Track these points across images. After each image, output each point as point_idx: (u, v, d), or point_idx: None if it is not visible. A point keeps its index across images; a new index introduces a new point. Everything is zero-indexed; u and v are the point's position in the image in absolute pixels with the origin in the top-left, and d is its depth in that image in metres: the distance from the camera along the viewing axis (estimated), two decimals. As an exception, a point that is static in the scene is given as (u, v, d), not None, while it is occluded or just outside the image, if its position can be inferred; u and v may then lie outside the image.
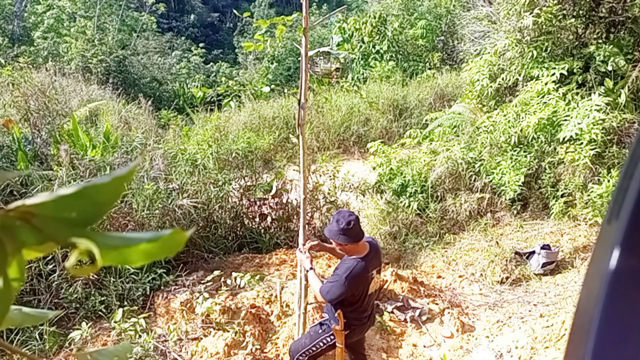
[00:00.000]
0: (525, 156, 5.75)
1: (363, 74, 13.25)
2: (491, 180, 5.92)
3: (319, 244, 3.14)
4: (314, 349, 3.00)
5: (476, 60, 7.14)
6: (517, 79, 6.34)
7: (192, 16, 30.79)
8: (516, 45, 6.33)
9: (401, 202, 6.05)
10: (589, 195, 5.16)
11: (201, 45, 24.53)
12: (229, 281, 4.21)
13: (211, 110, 11.24)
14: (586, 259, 4.89)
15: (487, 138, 6.03)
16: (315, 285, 2.84)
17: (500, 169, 5.81)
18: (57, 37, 16.74)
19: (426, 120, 7.97)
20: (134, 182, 4.70)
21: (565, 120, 5.50)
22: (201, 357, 3.58)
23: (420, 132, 7.49)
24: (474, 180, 6.04)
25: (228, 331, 3.70)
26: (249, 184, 5.57)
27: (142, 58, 17.23)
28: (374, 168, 6.44)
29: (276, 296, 4.20)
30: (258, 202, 5.54)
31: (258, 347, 3.68)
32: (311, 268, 2.94)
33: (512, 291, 4.69)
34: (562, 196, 5.54)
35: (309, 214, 5.40)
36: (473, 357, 3.78)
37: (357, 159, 8.82)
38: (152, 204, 4.59)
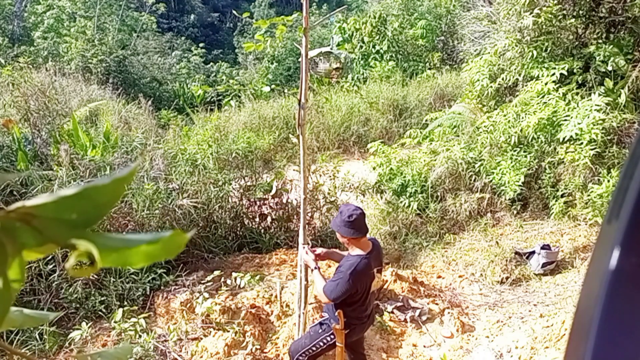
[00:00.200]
0: (525, 156, 5.75)
1: (363, 74, 13.25)
2: (491, 180, 5.92)
3: (323, 252, 3.12)
4: (314, 348, 3.00)
5: (476, 60, 7.14)
6: (517, 79, 6.34)
7: (192, 16, 30.79)
8: (516, 45, 6.33)
9: (401, 202, 6.05)
10: (589, 195, 5.16)
11: (201, 45, 24.53)
12: (229, 281, 4.21)
13: (211, 110, 11.25)
14: (586, 259, 4.89)
15: (487, 138, 6.03)
16: (319, 285, 2.84)
17: (500, 169, 5.81)
18: (57, 37, 16.74)
19: (426, 120, 7.97)
20: (134, 182, 4.70)
21: (565, 120, 5.50)
22: (201, 357, 3.58)
23: (420, 132, 7.49)
24: (474, 180, 6.04)
25: (228, 331, 3.70)
26: (249, 184, 5.57)
27: (142, 58, 17.23)
28: (374, 168, 6.44)
29: (276, 296, 4.20)
30: (258, 202, 5.54)
31: (258, 347, 3.68)
32: (316, 267, 2.95)
33: (512, 291, 4.69)
34: (562, 196, 5.54)
35: (309, 214, 5.40)
36: (473, 357, 3.78)
37: (357, 159, 8.82)
38: (152, 204, 4.59)
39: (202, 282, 4.20)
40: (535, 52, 6.08)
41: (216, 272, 4.27)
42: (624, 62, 5.70)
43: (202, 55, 23.11)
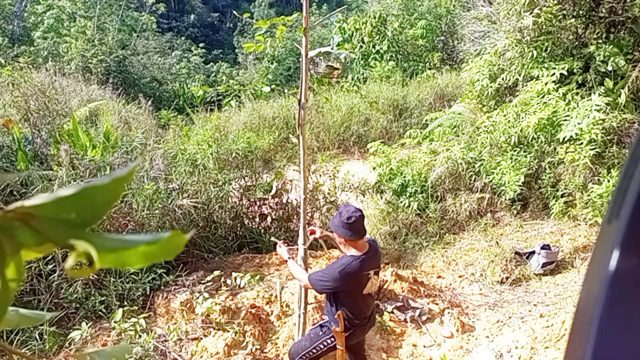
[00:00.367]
0: (525, 156, 5.75)
1: (363, 74, 13.25)
2: (491, 180, 5.92)
3: (320, 232, 3.19)
4: (314, 351, 3.00)
5: (476, 60, 7.14)
6: (517, 79, 6.34)
7: (192, 16, 30.80)
8: (516, 45, 6.33)
9: (401, 202, 6.05)
10: (589, 195, 5.16)
11: (201, 45, 24.55)
12: (229, 281, 4.21)
13: (211, 110, 11.25)
14: (586, 259, 4.89)
15: (487, 138, 6.03)
16: (298, 273, 2.90)
17: (500, 169, 5.81)
18: (57, 37, 16.74)
19: (426, 120, 7.97)
20: (134, 182, 4.70)
21: (565, 120, 5.50)
22: (201, 357, 3.58)
23: (420, 132, 7.49)
24: (474, 180, 6.04)
25: (228, 331, 3.70)
26: (249, 184, 5.57)
27: (142, 58, 17.23)
28: (374, 168, 6.44)
29: (276, 296, 4.20)
30: (258, 202, 5.54)
31: (258, 347, 3.68)
32: (290, 257, 2.98)
33: (512, 291, 4.69)
34: (562, 196, 5.54)
35: (309, 214, 5.40)
36: (473, 357, 3.78)
37: (357, 159, 8.82)
38: (152, 204, 4.59)
39: (202, 282, 4.20)
40: (535, 52, 6.08)
41: (216, 272, 4.27)
42: (624, 62, 5.70)
43: (202, 55, 23.12)
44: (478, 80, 6.82)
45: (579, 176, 5.38)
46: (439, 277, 5.06)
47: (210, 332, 3.79)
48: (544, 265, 4.83)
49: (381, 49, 13.37)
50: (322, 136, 9.26)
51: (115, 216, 4.49)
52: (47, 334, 3.71)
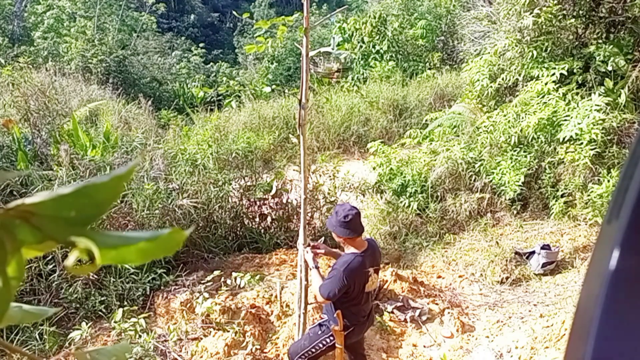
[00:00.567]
0: (525, 156, 5.75)
1: (363, 74, 13.24)
2: (491, 180, 5.92)
3: (324, 249, 3.13)
4: (313, 350, 3.00)
5: (476, 60, 7.14)
6: (517, 79, 6.34)
7: (192, 16, 30.80)
8: (516, 45, 6.33)
9: (401, 202, 6.05)
10: (589, 195, 5.16)
11: (201, 45, 24.54)
12: (229, 281, 4.21)
13: (211, 110, 11.25)
14: (586, 259, 4.89)
15: (487, 138, 6.03)
16: (316, 284, 2.85)
17: (500, 169, 5.81)
18: (57, 37, 16.74)
19: (426, 120, 7.97)
20: (134, 182, 4.70)
21: (565, 120, 5.50)
22: (201, 357, 3.58)
23: (420, 132, 7.49)
24: (474, 180, 6.04)
25: (228, 331, 3.70)
26: (249, 184, 5.57)
27: (142, 58, 17.23)
28: (374, 168, 6.44)
29: (276, 296, 4.20)
30: (258, 202, 5.54)
31: (258, 347, 3.68)
32: (315, 266, 2.95)
33: (512, 291, 4.69)
34: (562, 196, 5.54)
35: (309, 214, 5.40)
36: (473, 357, 3.78)
37: (357, 159, 8.82)
38: (152, 204, 4.59)
39: (202, 282, 4.20)
40: (535, 52, 6.08)
41: (216, 272, 4.27)
42: (624, 62, 5.70)
43: (202, 55, 23.12)
44: (478, 80, 6.82)
45: (579, 176, 5.38)
46: (439, 277, 5.06)
47: (210, 332, 3.79)
48: (544, 265, 4.83)
49: (381, 49, 13.37)
50: (322, 136, 9.26)
51: (115, 216, 4.49)
52: (47, 334, 3.71)
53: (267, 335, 3.91)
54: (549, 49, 6.07)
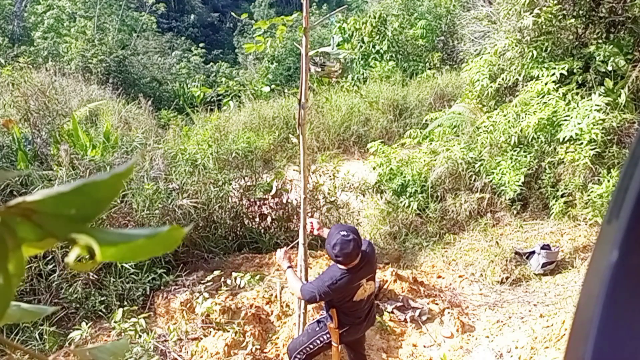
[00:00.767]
0: (525, 156, 5.75)
1: (363, 74, 13.24)
2: (491, 180, 5.92)
3: (320, 229, 3.13)
4: (311, 346, 3.01)
5: (476, 60, 7.14)
6: (517, 79, 6.34)
7: (192, 16, 30.79)
8: (516, 45, 6.33)
9: (401, 202, 6.05)
10: (589, 195, 5.16)
11: (201, 45, 24.52)
12: (229, 281, 4.21)
13: (211, 110, 11.24)
14: (586, 259, 4.89)
15: (487, 138, 6.03)
16: (294, 284, 2.88)
17: (500, 169, 5.81)
18: (57, 37, 16.73)
19: (426, 120, 7.97)
20: (134, 182, 4.70)
21: (565, 120, 5.50)
22: (201, 357, 3.58)
23: (420, 132, 7.49)
24: (474, 180, 6.04)
25: (228, 331, 3.70)
26: (249, 184, 5.57)
27: (142, 58, 17.23)
28: (374, 168, 6.44)
29: (276, 296, 4.20)
30: (258, 202, 5.54)
31: (258, 347, 3.68)
32: (289, 266, 2.97)
33: (512, 291, 4.69)
34: (562, 196, 5.54)
35: (309, 214, 5.39)
36: (473, 357, 3.78)
37: (357, 159, 8.82)
38: (152, 204, 4.59)
39: (202, 282, 4.20)
40: (535, 52, 6.08)
41: (216, 272, 4.27)
42: (624, 62, 5.70)
43: (202, 55, 23.10)
44: (478, 80, 6.82)
45: (579, 176, 5.38)
46: (439, 277, 5.06)
47: (210, 332, 3.79)
48: (544, 265, 4.83)
49: (381, 49, 13.36)
50: (322, 136, 9.26)
51: (115, 216, 4.49)
52: (47, 334, 3.71)
53: (267, 335, 3.91)
54: (549, 49, 6.07)
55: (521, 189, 5.64)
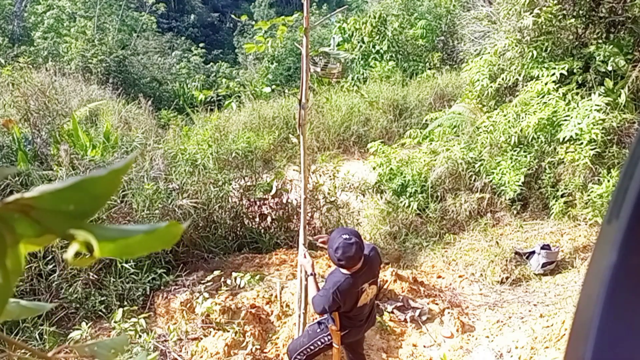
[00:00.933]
0: (525, 156, 5.75)
1: (363, 74, 13.24)
2: (491, 180, 5.92)
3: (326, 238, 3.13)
4: (311, 347, 3.00)
5: (476, 60, 7.14)
6: (517, 79, 6.34)
7: (192, 16, 30.79)
8: (516, 45, 6.33)
9: (401, 202, 6.05)
10: (589, 195, 5.16)
11: (201, 45, 24.52)
12: (229, 281, 4.21)
13: (211, 110, 11.24)
14: (586, 259, 4.89)
15: (487, 138, 6.03)
16: (311, 294, 2.87)
17: (500, 169, 5.81)
18: (57, 37, 16.73)
19: (426, 120, 7.97)
20: (134, 182, 4.70)
21: (565, 120, 5.50)
22: (201, 357, 3.58)
23: (420, 132, 7.49)
24: (474, 180, 6.04)
25: (228, 331, 3.70)
26: (249, 184, 5.57)
27: (142, 58, 17.22)
28: (374, 168, 6.44)
29: (276, 296, 4.20)
30: (258, 202, 5.54)
31: (258, 347, 3.68)
32: (312, 273, 2.94)
33: (512, 291, 4.69)
34: (562, 196, 5.54)
35: (309, 214, 5.40)
36: (473, 357, 3.78)
37: (357, 159, 8.82)
38: (152, 204, 4.59)
39: (202, 282, 4.20)
40: (535, 52, 6.08)
41: (216, 272, 4.27)
42: (624, 62, 5.70)
43: (202, 55, 23.10)
44: (478, 80, 6.82)
45: (579, 176, 5.38)
46: (439, 277, 5.06)
47: (210, 332, 3.78)
48: (544, 265, 4.83)
49: (381, 49, 13.36)
50: (322, 136, 9.26)
51: (115, 216, 4.49)
52: (47, 333, 3.71)
53: (267, 335, 3.91)
54: (549, 49, 6.07)
55: (521, 189, 5.64)
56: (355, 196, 6.38)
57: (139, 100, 10.70)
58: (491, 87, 6.66)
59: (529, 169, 5.69)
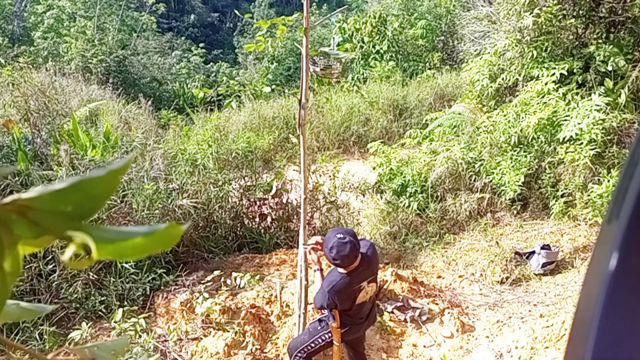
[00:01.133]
0: (525, 156, 5.75)
1: (363, 74, 13.24)
2: (491, 180, 5.92)
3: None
4: (312, 345, 3.01)
5: (476, 60, 7.14)
6: (517, 79, 6.34)
7: (192, 16, 30.79)
8: (516, 45, 6.33)
9: (401, 202, 6.05)
10: (589, 195, 5.16)
11: (201, 45, 24.51)
12: (229, 281, 4.21)
13: (211, 110, 11.24)
14: (586, 259, 4.89)
15: (487, 138, 6.03)
16: (316, 289, 2.91)
17: (500, 169, 5.81)
18: (57, 37, 16.73)
19: (426, 120, 7.97)
20: (134, 182, 4.70)
21: (565, 120, 5.50)
22: (201, 357, 3.58)
23: (420, 132, 7.49)
24: (474, 180, 6.04)
25: (228, 331, 3.70)
26: (249, 184, 5.57)
27: (142, 58, 17.22)
28: (374, 168, 6.44)
29: (276, 296, 4.20)
30: (258, 202, 5.54)
31: (258, 347, 3.68)
32: (319, 268, 2.95)
33: (512, 291, 4.69)
34: (562, 196, 5.54)
35: (309, 214, 5.40)
36: (473, 357, 3.78)
37: (357, 159, 8.82)
38: (152, 204, 4.59)
39: (202, 282, 4.20)
40: (535, 52, 6.07)
41: (216, 272, 4.27)
42: (624, 62, 5.70)
43: (202, 55, 23.09)
44: (478, 80, 6.81)
45: (579, 176, 5.38)
46: (439, 277, 5.06)
47: (210, 332, 3.78)
48: (544, 265, 4.83)
49: (381, 49, 13.36)
50: (322, 136, 9.26)
51: (115, 216, 4.49)
52: (47, 334, 3.71)
53: (267, 335, 3.91)
54: (549, 49, 6.06)
55: (521, 189, 5.64)
56: (355, 196, 6.38)
57: (139, 100, 10.69)
58: (491, 87, 6.66)
59: (529, 169, 5.69)
